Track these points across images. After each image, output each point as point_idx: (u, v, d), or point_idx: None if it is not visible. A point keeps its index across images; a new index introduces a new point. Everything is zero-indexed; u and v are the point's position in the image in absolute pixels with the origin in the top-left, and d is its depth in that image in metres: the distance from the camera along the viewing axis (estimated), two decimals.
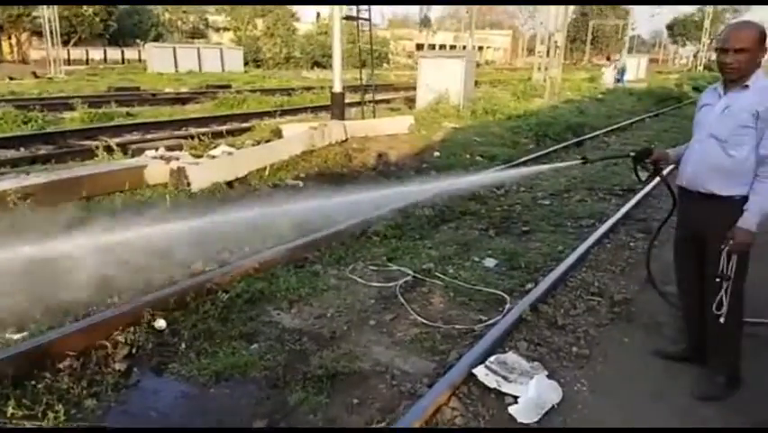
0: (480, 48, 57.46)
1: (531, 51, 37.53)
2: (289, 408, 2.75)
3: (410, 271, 4.44)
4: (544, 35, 22.77)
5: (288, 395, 2.83)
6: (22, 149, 9.41)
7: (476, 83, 18.12)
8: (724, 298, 2.70)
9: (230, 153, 7.24)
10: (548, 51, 21.74)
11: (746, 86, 2.63)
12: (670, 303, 3.53)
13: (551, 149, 10.41)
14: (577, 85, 24.27)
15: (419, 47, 49.15)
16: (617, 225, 5.66)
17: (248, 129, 11.21)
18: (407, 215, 5.92)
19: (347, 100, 11.28)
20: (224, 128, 10.96)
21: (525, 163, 8.89)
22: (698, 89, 22.77)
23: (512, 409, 2.68)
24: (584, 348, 3.30)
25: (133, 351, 3.21)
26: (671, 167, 3.05)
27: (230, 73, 33.17)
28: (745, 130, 2.61)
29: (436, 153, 9.34)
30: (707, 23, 45.00)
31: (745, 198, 2.63)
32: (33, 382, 2.81)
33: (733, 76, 2.65)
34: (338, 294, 4.06)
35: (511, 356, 3.10)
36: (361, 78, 12.50)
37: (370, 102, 12.36)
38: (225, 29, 50.45)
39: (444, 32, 61.68)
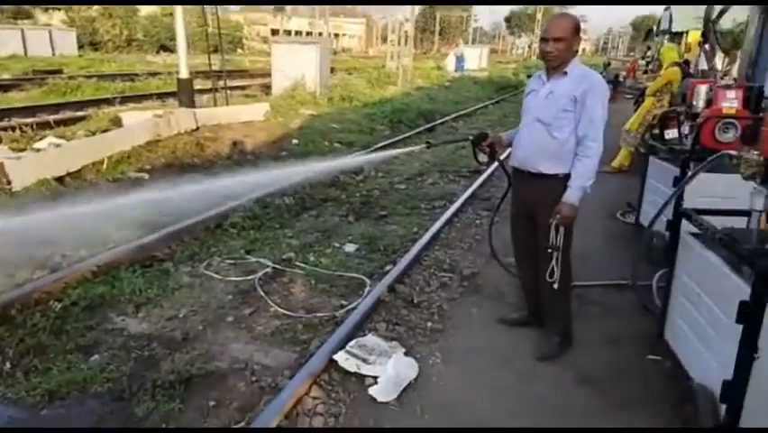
0: (336, 35, 57.62)
1: (384, 40, 38.44)
2: (137, 420, 2.53)
3: (270, 263, 4.34)
4: (395, 24, 23.44)
5: (136, 406, 2.60)
6: None
7: (332, 70, 18.14)
8: (555, 266, 2.99)
9: (58, 145, 6.46)
10: (399, 40, 22.44)
11: (565, 72, 2.90)
12: (511, 273, 3.83)
13: (405, 135, 10.78)
14: (427, 73, 25.34)
15: (274, 32, 47.86)
16: (464, 204, 6.03)
17: (83, 118, 10.09)
18: (266, 204, 5.76)
19: (198, 87, 10.67)
20: (53, 118, 9.75)
21: (382, 149, 9.11)
22: (532, 77, 24.88)
23: (372, 390, 2.74)
24: (438, 323, 3.48)
25: None
26: (508, 150, 3.28)
27: (61, 57, 29.52)
28: (565, 113, 2.88)
29: (294, 141, 9.21)
30: (539, 16, 49.55)
31: (568, 176, 2.91)
32: None
33: (553, 63, 2.90)
34: (191, 292, 3.83)
35: (371, 338, 3.16)
36: (210, 64, 11.87)
37: (222, 88, 11.79)
38: (56, 8, 44.71)
39: (300, 18, 60.71)
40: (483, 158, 3.33)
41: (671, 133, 5.15)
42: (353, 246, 4.82)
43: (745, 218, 3.14)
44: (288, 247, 4.73)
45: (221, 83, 11.84)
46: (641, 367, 3.04)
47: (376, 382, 2.79)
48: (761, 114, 4.29)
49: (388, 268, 4.26)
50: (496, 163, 3.44)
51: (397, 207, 6.06)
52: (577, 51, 2.95)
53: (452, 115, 13.90)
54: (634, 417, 2.63)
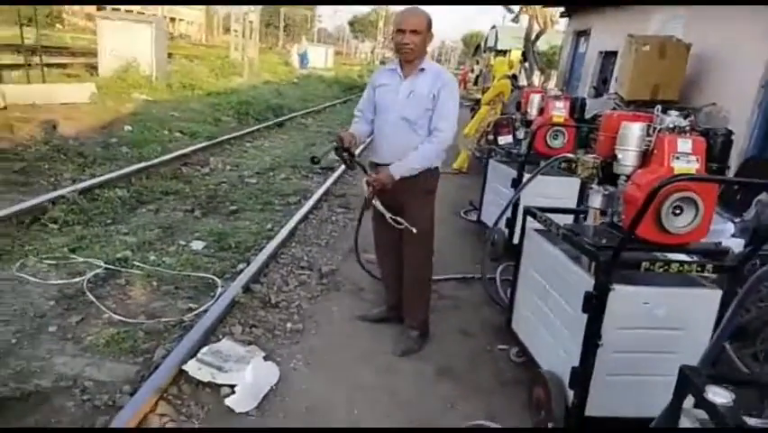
0: (172, 19, 53.66)
1: (227, 30, 36.59)
2: None
3: (101, 263, 3.81)
4: (238, 14, 22.51)
5: None
6: None
7: (169, 55, 16.84)
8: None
9: None
10: (244, 32, 21.59)
11: (423, 69, 2.94)
12: (370, 275, 3.82)
13: (254, 128, 10.38)
14: (273, 67, 24.81)
15: (100, 8, 42.99)
16: (320, 201, 5.94)
17: None
18: (95, 197, 5.11)
19: (6, 61, 9.13)
20: None
21: (229, 141, 8.66)
22: (379, 70, 25.56)
23: (229, 401, 2.51)
24: (298, 323, 3.33)
25: None
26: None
27: None
28: (428, 112, 2.94)
29: (128, 127, 8.31)
30: (381, 24, 51.33)
31: (432, 169, 3.00)
32: None
33: (409, 56, 2.91)
34: (1, 299, 3.21)
35: (225, 344, 2.91)
36: (22, 36, 10.26)
37: (37, 65, 10.26)
38: None
39: None
40: (350, 160, 3.16)
41: (504, 139, 5.57)
42: (201, 244, 4.45)
43: (572, 216, 3.53)
44: (124, 245, 4.21)
45: (35, 59, 10.31)
46: (493, 356, 3.22)
47: (233, 392, 2.57)
48: (584, 122, 4.86)
49: (241, 267, 3.99)
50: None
51: (248, 202, 5.75)
52: (427, 49, 3.01)
53: (301, 112, 13.74)
54: (491, 402, 2.75)
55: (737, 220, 4.21)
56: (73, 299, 3.34)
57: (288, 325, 3.29)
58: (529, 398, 2.69)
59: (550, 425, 2.43)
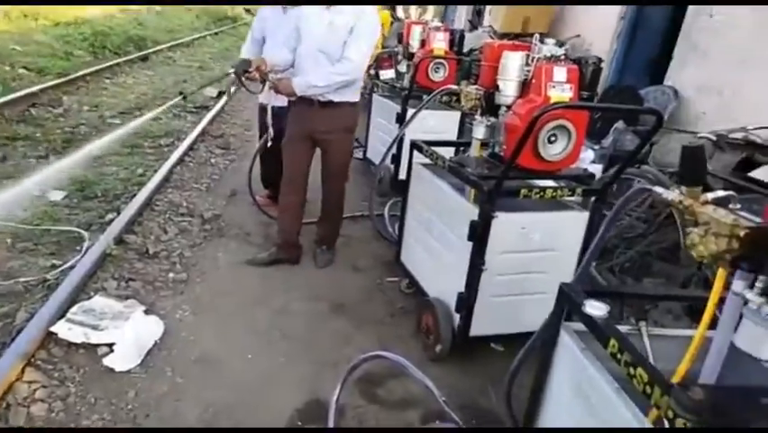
0: None
1: None
2: None
3: None
4: None
5: None
6: None
7: None
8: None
9: None
10: None
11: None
12: (268, 216, 3.74)
13: (113, 62, 9.33)
14: None
15: None
16: (195, 142, 5.55)
17: None
18: None
19: None
20: None
21: (84, 78, 7.71)
22: (249, 12, 23.94)
23: (107, 360, 2.33)
24: (181, 272, 3.14)
25: None
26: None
27: None
28: (345, 45, 2.91)
29: None
30: None
31: (354, 103, 3.09)
32: None
33: None
34: None
35: (99, 301, 2.67)
36: None
37: None
38: None
39: None
40: (255, 87, 3.12)
41: (386, 74, 5.49)
42: (60, 194, 3.98)
43: (453, 149, 3.63)
44: None
45: None
46: (383, 289, 3.27)
47: (112, 350, 2.38)
48: (463, 55, 4.91)
49: (110, 217, 3.65)
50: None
51: (113, 145, 5.22)
52: None
53: (168, 44, 12.58)
54: (382, 332, 2.81)
55: (596, 147, 4.57)
56: None
57: (171, 275, 3.09)
58: (418, 325, 2.79)
59: (438, 348, 2.55)
